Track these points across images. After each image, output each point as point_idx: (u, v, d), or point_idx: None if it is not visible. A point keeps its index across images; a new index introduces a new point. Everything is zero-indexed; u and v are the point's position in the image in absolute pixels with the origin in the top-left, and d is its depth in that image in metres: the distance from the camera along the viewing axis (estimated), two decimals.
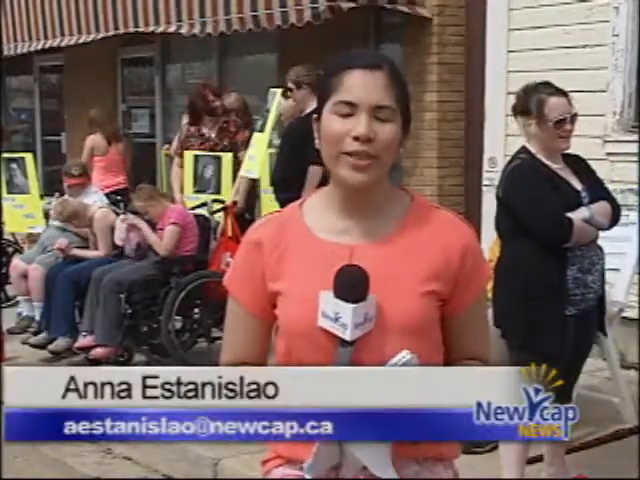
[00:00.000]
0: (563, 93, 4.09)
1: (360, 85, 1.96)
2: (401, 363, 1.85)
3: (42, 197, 9.06)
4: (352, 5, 7.09)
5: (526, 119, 4.09)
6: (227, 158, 7.51)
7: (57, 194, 8.20)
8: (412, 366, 1.86)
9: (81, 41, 9.77)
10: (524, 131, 4.14)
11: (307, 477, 1.94)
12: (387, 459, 1.90)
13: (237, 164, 7.45)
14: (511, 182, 4.07)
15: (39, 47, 10.53)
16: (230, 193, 7.47)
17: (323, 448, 1.87)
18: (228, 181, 7.52)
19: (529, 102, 4.07)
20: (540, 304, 3.96)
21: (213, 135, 7.69)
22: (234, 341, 2.13)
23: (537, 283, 3.97)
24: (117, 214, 7.37)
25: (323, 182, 2.14)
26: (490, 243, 5.49)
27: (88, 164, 9.13)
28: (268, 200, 6.88)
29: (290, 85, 6.63)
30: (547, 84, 4.15)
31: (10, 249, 8.99)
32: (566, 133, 4.04)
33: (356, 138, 1.94)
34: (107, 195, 8.41)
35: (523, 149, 4.13)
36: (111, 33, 9.45)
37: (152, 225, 6.92)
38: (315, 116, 2.05)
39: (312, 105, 6.29)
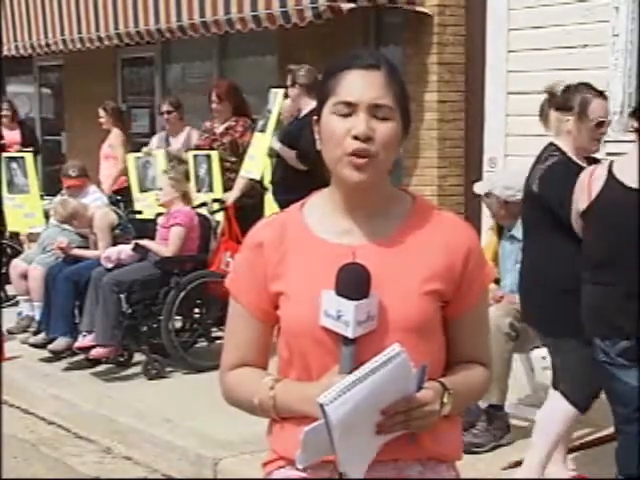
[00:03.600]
0: (605, 97, 4.14)
1: (358, 85, 1.97)
2: (388, 357, 1.83)
3: (42, 197, 9.06)
4: (352, 6, 7.07)
5: (564, 115, 4.11)
6: (215, 155, 7.57)
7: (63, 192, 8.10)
8: (400, 361, 1.84)
9: (83, 44, 9.76)
10: (556, 127, 4.15)
11: (299, 467, 1.94)
12: (365, 464, 1.90)
13: (240, 164, 7.47)
14: (550, 179, 4.07)
15: (40, 49, 10.52)
16: (221, 190, 7.52)
17: (310, 437, 1.87)
18: (218, 179, 7.57)
19: (571, 99, 4.10)
20: (575, 297, 3.86)
21: (218, 132, 7.74)
22: (236, 343, 2.13)
23: (573, 277, 3.88)
24: (118, 214, 7.38)
25: (322, 185, 2.13)
26: (484, 243, 5.51)
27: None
28: (271, 200, 6.89)
29: (289, 82, 6.67)
30: (590, 86, 4.19)
31: (10, 250, 8.99)
32: (601, 136, 4.09)
33: (355, 137, 1.94)
34: (109, 195, 8.41)
35: (554, 146, 4.13)
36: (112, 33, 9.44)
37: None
38: (315, 118, 2.06)
39: (307, 106, 6.32)
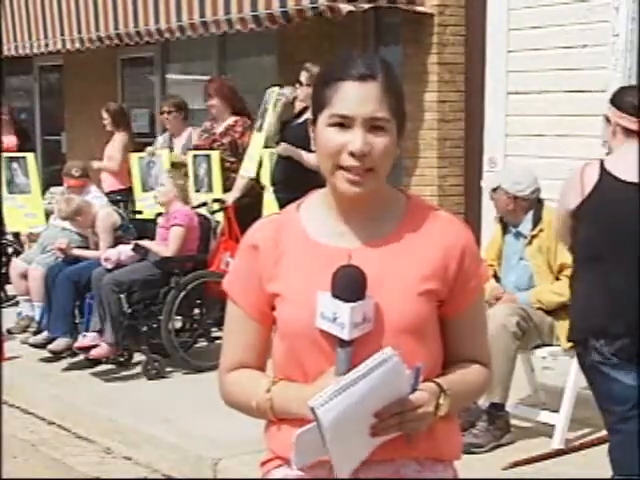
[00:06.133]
0: None
1: (354, 97, 1.95)
2: (379, 360, 1.83)
3: (42, 197, 9.06)
4: (351, 8, 7.07)
5: None
6: (215, 156, 7.56)
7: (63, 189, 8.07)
8: (392, 364, 1.84)
9: (83, 44, 9.76)
10: None
11: (295, 469, 1.94)
12: (356, 463, 1.90)
13: (239, 164, 7.47)
14: None
15: (40, 49, 10.51)
16: (221, 191, 7.52)
17: (303, 439, 1.87)
18: (218, 179, 7.57)
19: None
20: None
21: (218, 132, 7.76)
22: (233, 345, 2.13)
23: None
24: (119, 214, 7.38)
25: (318, 185, 2.13)
26: (487, 244, 5.50)
27: (124, 164, 8.91)
28: (271, 200, 6.88)
29: (303, 79, 6.66)
30: None
31: (10, 249, 8.99)
32: None
33: (352, 154, 1.93)
34: (108, 195, 8.41)
35: None
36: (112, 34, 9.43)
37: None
38: (310, 119, 2.05)
39: None
